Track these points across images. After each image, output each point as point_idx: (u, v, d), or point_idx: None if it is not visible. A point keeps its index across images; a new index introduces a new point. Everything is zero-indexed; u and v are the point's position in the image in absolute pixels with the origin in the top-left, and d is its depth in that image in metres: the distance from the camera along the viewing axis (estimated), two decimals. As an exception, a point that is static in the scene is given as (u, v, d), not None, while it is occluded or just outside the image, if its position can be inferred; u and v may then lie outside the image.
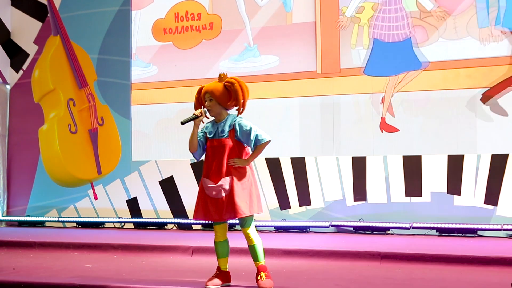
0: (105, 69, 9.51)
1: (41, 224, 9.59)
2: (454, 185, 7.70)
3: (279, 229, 8.25)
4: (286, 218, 8.31)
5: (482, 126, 7.65)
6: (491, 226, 7.36)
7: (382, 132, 7.94)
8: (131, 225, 9.10)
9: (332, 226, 8.03)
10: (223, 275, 4.79)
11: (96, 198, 9.44)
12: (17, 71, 10.06)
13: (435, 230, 7.59)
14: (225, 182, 4.63)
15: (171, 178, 9.01)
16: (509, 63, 7.56)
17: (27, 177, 9.85)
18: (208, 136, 4.75)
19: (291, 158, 8.39)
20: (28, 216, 9.68)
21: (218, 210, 4.65)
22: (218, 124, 4.75)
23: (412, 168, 7.89)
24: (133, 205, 9.20)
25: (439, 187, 7.76)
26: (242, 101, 4.68)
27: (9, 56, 10.08)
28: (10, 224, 9.78)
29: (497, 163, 7.52)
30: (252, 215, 4.69)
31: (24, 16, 10.02)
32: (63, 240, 7.41)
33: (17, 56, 10.06)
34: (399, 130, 7.94)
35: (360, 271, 5.55)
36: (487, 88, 7.63)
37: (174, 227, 8.86)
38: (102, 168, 9.42)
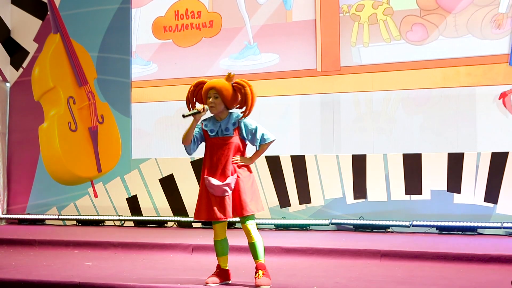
0: (105, 67, 9.50)
1: (41, 222, 9.60)
2: (454, 183, 7.70)
3: (279, 227, 8.26)
4: (286, 216, 8.31)
5: (482, 124, 7.65)
6: (491, 224, 7.36)
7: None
8: (131, 223, 9.10)
9: (332, 224, 8.03)
10: (222, 273, 4.80)
11: (96, 196, 9.44)
12: (17, 69, 10.06)
13: (435, 228, 7.59)
14: (231, 180, 4.63)
15: (171, 176, 9.01)
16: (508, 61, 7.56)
17: (27, 175, 9.85)
18: (210, 134, 4.72)
19: (291, 156, 8.39)
20: (28, 214, 9.69)
21: (223, 209, 4.62)
22: (220, 122, 4.73)
23: (412, 166, 7.89)
24: (133, 203, 9.20)
25: (439, 185, 7.76)
26: (250, 105, 4.69)
27: (9, 54, 10.07)
28: (10, 222, 9.79)
29: (497, 161, 7.52)
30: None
31: (24, 14, 10.02)
32: (63, 238, 7.42)
33: (17, 54, 10.06)
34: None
35: (360, 269, 5.56)
36: (487, 86, 7.64)
37: (174, 225, 8.86)
38: (102, 166, 9.43)
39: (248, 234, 4.68)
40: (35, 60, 9.87)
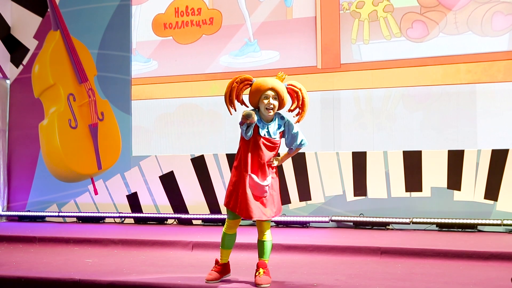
0: (105, 64, 9.50)
1: (41, 219, 9.60)
2: (454, 180, 7.70)
3: (279, 224, 8.26)
4: (286, 213, 8.30)
5: (482, 121, 7.65)
6: (491, 221, 7.36)
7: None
8: (131, 220, 9.11)
9: (332, 221, 8.03)
10: (222, 267, 4.78)
11: (96, 193, 9.45)
12: (17, 66, 10.06)
13: (435, 225, 7.59)
14: (269, 180, 4.63)
15: (171, 173, 9.01)
16: (509, 58, 7.56)
17: (27, 172, 9.86)
18: (259, 133, 4.62)
19: (291, 153, 8.38)
20: (29, 211, 9.69)
21: (261, 209, 4.57)
22: (268, 124, 4.64)
23: (412, 163, 7.89)
24: (133, 200, 9.20)
25: (439, 182, 7.76)
26: (305, 110, 4.65)
27: (9, 51, 10.07)
28: (10, 219, 9.79)
29: (497, 158, 7.52)
30: None
31: (24, 11, 10.01)
32: (63, 235, 7.42)
33: (17, 51, 10.06)
34: None
35: (360, 266, 5.56)
36: (488, 83, 7.64)
37: (174, 222, 8.87)
38: (102, 163, 9.43)
39: (261, 232, 4.68)
40: (35, 57, 9.87)
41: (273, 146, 4.65)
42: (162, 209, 9.02)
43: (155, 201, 9.09)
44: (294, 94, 4.66)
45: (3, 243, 7.36)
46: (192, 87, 8.97)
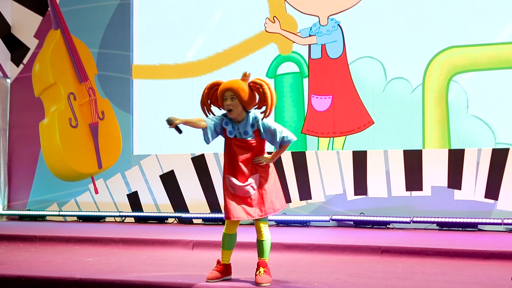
0: (105, 63, 9.49)
1: (42, 218, 9.61)
2: (455, 179, 7.70)
3: (279, 223, 8.26)
4: (287, 212, 8.30)
5: (483, 120, 7.64)
6: (491, 220, 7.36)
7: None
8: (132, 219, 9.11)
9: (332, 220, 8.03)
10: (223, 268, 4.76)
11: (96, 192, 9.45)
12: (17, 65, 10.05)
13: (435, 224, 7.59)
14: (253, 180, 4.60)
15: (172, 172, 9.01)
16: None
17: (28, 171, 9.85)
18: (228, 135, 4.62)
19: (292, 152, 8.38)
20: (29, 210, 9.69)
21: (246, 209, 4.59)
22: (238, 125, 4.60)
23: (413, 162, 7.89)
24: (134, 199, 9.20)
25: (439, 181, 7.76)
26: (270, 105, 4.53)
27: (9, 50, 10.06)
28: (11, 218, 9.80)
29: (498, 157, 7.52)
30: None
31: (25, 10, 10.01)
32: (64, 234, 7.42)
33: (17, 50, 10.05)
34: None
35: (360, 265, 5.56)
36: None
37: (175, 221, 8.87)
38: (102, 162, 9.43)
39: (259, 231, 4.68)
40: (36, 56, 9.86)
41: (246, 146, 4.60)
42: (163, 208, 9.02)
43: (156, 200, 9.09)
44: (257, 90, 4.54)
45: (4, 242, 7.36)
46: (193, 87, 8.96)
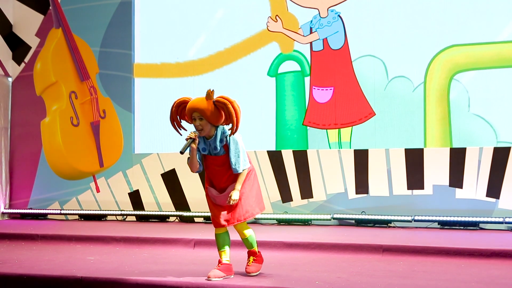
0: (107, 61, 9.50)
1: (43, 216, 9.61)
2: (456, 178, 7.69)
3: (281, 222, 8.26)
4: (288, 210, 8.31)
5: (484, 119, 7.64)
6: (493, 219, 7.36)
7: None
8: (133, 218, 9.12)
9: (334, 219, 8.03)
10: (225, 267, 4.79)
11: (98, 190, 9.45)
12: (19, 64, 10.06)
13: (437, 223, 7.59)
14: (230, 189, 4.74)
15: (173, 170, 9.02)
16: None
17: (29, 170, 9.86)
18: (202, 152, 4.78)
19: (293, 151, 8.38)
20: (31, 208, 9.70)
21: (226, 216, 4.75)
22: (209, 141, 4.74)
23: (414, 161, 7.88)
24: (135, 198, 9.21)
25: (441, 180, 7.76)
26: (236, 122, 4.60)
27: (11, 48, 10.07)
28: (12, 216, 9.80)
29: (499, 156, 7.52)
30: None
31: (26, 8, 10.01)
32: (65, 233, 7.43)
33: (19, 48, 10.06)
34: None
35: (362, 263, 5.56)
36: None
37: (176, 220, 8.88)
38: (104, 161, 9.44)
39: (240, 232, 4.90)
40: (37, 55, 9.87)
41: (219, 161, 4.74)
42: (164, 207, 9.02)
43: (157, 199, 9.09)
44: (222, 109, 4.62)
45: (5, 241, 7.37)
46: (194, 85, 8.97)
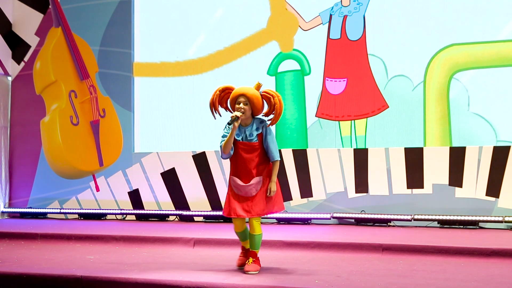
0: (106, 60, 9.50)
1: (43, 215, 9.61)
2: (456, 177, 7.69)
3: (280, 221, 8.27)
4: (288, 210, 8.31)
5: (484, 118, 7.64)
6: (492, 218, 7.36)
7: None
8: (133, 217, 9.12)
9: (333, 218, 8.04)
10: (247, 251, 5.15)
11: (98, 189, 9.45)
12: (18, 63, 10.06)
13: (436, 222, 7.59)
14: (256, 181, 4.93)
15: (173, 170, 9.01)
16: None
17: (29, 169, 9.86)
18: (236, 138, 4.98)
19: (293, 150, 8.39)
20: (30, 207, 9.70)
21: (246, 207, 4.93)
22: (245, 128, 4.99)
23: (414, 160, 7.88)
24: (135, 197, 9.21)
25: (440, 179, 7.76)
26: (278, 115, 4.98)
27: (10, 47, 10.07)
28: (12, 215, 9.81)
29: (499, 155, 7.52)
30: None
31: (26, 7, 10.01)
32: (65, 232, 7.43)
33: (18, 47, 10.06)
34: None
35: (361, 262, 5.57)
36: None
37: (176, 219, 8.88)
38: (104, 160, 9.43)
39: (252, 226, 5.00)
40: (37, 54, 9.87)
41: (251, 148, 4.97)
42: (164, 206, 9.02)
43: (157, 198, 9.09)
44: (268, 100, 5.00)
45: (5, 240, 7.38)
46: (194, 85, 8.97)
